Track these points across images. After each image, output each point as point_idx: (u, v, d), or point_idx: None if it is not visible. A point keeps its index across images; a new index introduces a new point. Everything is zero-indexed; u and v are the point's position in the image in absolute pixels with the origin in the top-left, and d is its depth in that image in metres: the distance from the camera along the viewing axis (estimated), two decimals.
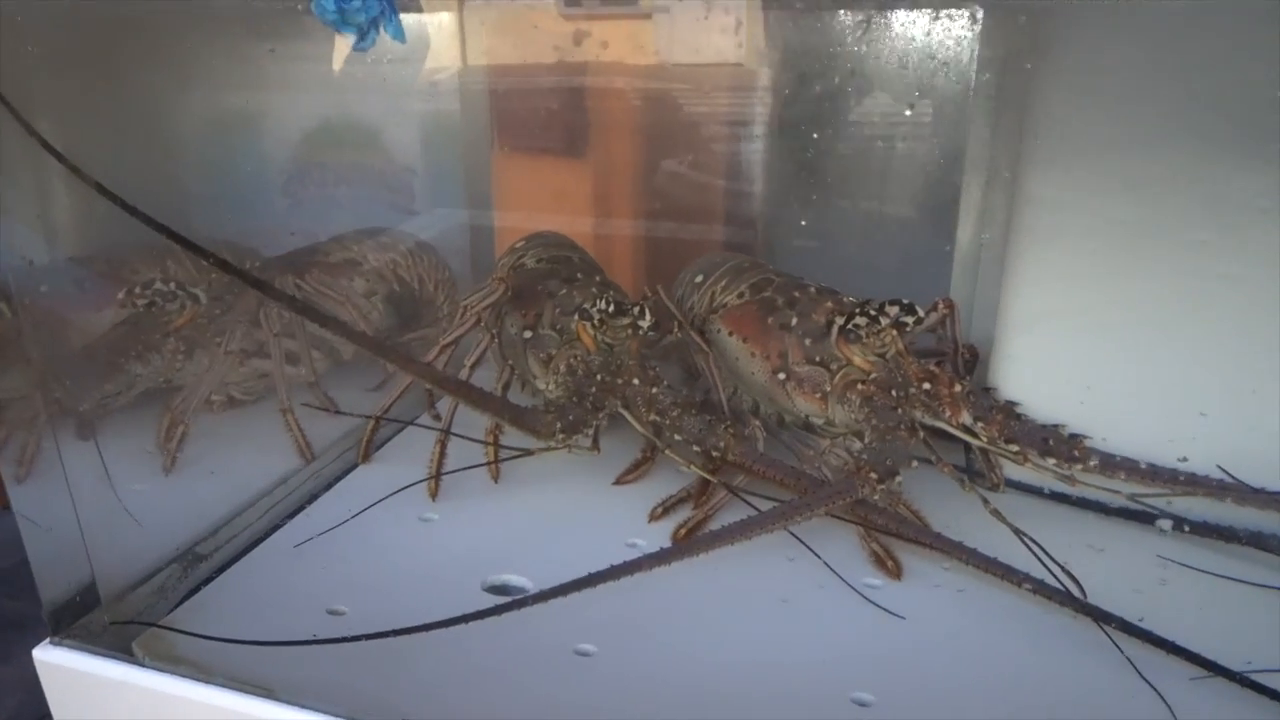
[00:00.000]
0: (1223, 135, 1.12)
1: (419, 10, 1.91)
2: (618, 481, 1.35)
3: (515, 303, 1.54)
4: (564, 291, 1.50)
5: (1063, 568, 1.05)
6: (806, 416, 1.40)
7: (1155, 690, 0.90)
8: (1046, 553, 1.05)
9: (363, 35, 0.81)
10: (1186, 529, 1.23)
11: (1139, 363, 1.25)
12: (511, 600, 0.93)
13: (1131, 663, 0.93)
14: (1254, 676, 0.91)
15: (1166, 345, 1.23)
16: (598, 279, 1.60)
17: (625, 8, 2.07)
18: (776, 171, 2.11)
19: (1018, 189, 1.32)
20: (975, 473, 1.39)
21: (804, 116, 2.02)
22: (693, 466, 1.26)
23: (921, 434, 1.25)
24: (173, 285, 1.45)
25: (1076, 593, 1.05)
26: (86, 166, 0.93)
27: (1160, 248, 1.19)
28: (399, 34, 0.84)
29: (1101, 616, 0.99)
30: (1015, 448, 1.26)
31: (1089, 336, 1.28)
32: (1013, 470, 1.35)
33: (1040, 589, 1.02)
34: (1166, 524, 1.25)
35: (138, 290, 1.44)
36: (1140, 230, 1.21)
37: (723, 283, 1.62)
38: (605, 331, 1.36)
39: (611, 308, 1.35)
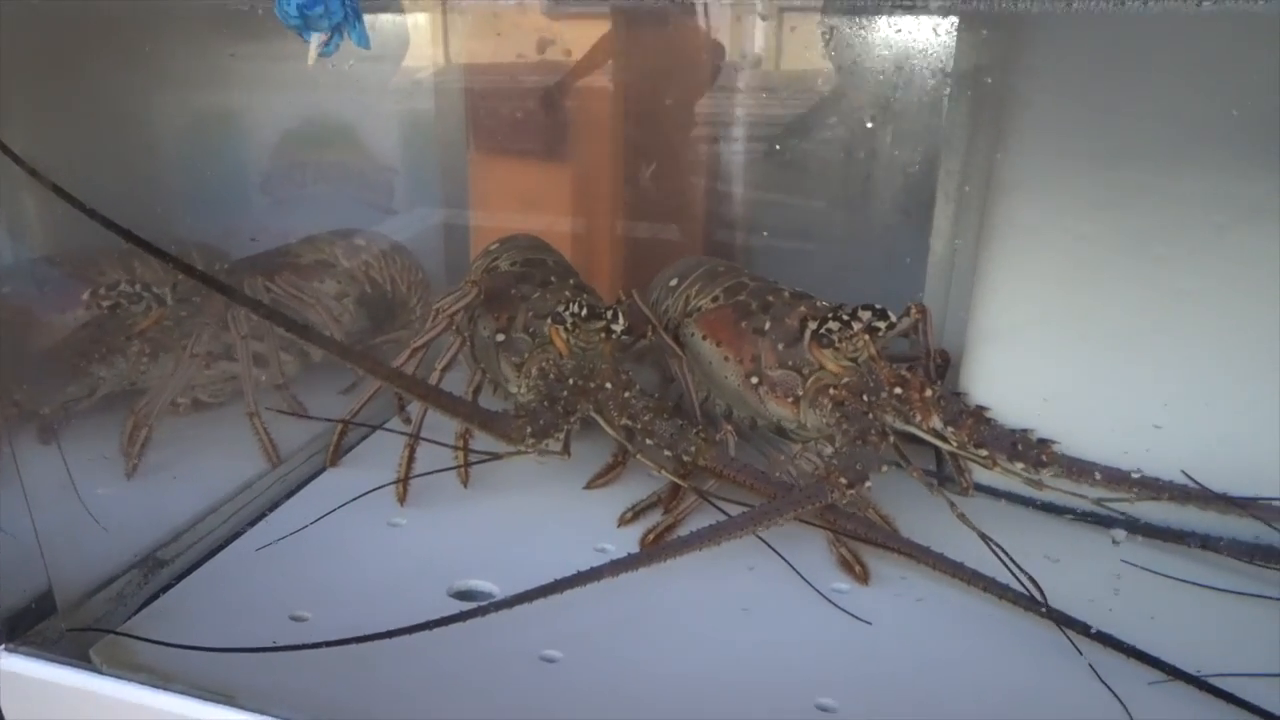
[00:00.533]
0: (1183, 153, 1.14)
1: (399, 10, 1.91)
2: (589, 486, 1.34)
3: (488, 306, 1.53)
4: (537, 295, 1.49)
5: (1024, 573, 1.05)
6: (779, 420, 1.40)
7: (1114, 694, 0.90)
8: (1010, 558, 1.05)
9: (326, 41, 0.80)
10: (1140, 538, 1.24)
11: (1098, 374, 1.26)
12: (476, 607, 0.92)
13: (1092, 667, 0.94)
14: (1210, 680, 0.91)
15: (1125, 358, 1.24)
16: (572, 282, 1.59)
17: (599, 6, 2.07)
18: (757, 174, 2.12)
19: (987, 202, 1.33)
20: (945, 477, 1.39)
21: (786, 119, 2.03)
22: (663, 471, 1.25)
23: (892, 438, 1.26)
24: (138, 287, 1.43)
25: (1039, 597, 1.05)
26: (53, 166, 0.91)
27: (1122, 263, 1.21)
28: (363, 40, 0.83)
29: (1063, 620, 1.00)
30: (984, 452, 1.26)
31: (1053, 346, 1.29)
32: (982, 474, 1.36)
33: (1004, 594, 1.03)
34: (1120, 534, 1.27)
35: (102, 292, 1.41)
36: (1103, 245, 1.22)
37: (697, 286, 1.61)
38: (578, 335, 1.35)
39: (584, 311, 1.35)
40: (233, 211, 1.81)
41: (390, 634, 0.89)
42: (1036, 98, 1.24)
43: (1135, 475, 1.19)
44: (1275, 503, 1.13)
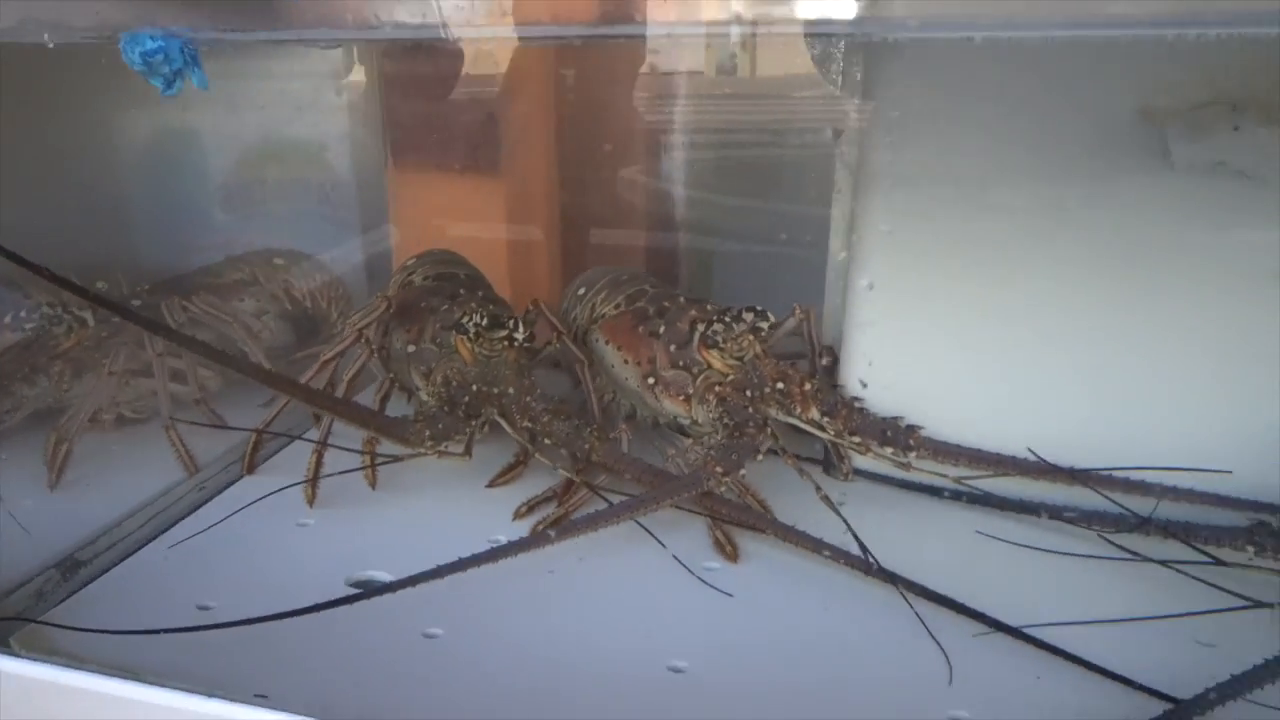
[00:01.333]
0: (1009, 169, 1.28)
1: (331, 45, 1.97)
2: (491, 484, 1.42)
3: (400, 319, 1.61)
4: (445, 308, 1.58)
5: (859, 541, 1.15)
6: (675, 417, 1.50)
7: (936, 642, 1.01)
8: (852, 529, 1.16)
9: (169, 84, 0.88)
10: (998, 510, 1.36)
11: (952, 362, 1.38)
12: (362, 591, 1.01)
13: (921, 620, 1.04)
14: (1032, 631, 1.02)
15: (974, 348, 1.36)
16: (480, 294, 1.68)
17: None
18: (691, 181, 2.20)
19: (853, 211, 1.44)
20: (829, 463, 1.50)
21: (715, 128, 2.13)
22: (559, 467, 1.34)
23: (769, 429, 1.36)
24: (59, 309, 1.49)
25: (872, 560, 1.15)
26: None
27: (968, 265, 1.33)
28: (203, 83, 0.91)
29: (899, 581, 1.11)
30: (858, 439, 1.37)
31: (913, 336, 1.41)
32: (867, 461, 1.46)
33: (845, 558, 1.14)
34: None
35: (24, 314, 1.48)
36: (947, 246, 1.34)
37: (602, 295, 1.71)
38: (481, 344, 1.44)
39: (485, 322, 1.44)
40: (158, 232, 1.87)
41: (279, 616, 0.97)
42: (888, 117, 1.35)
43: (991, 454, 1.32)
44: (1107, 473, 1.25)
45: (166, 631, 1.00)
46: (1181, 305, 1.25)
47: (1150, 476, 1.23)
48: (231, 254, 1.82)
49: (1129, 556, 1.19)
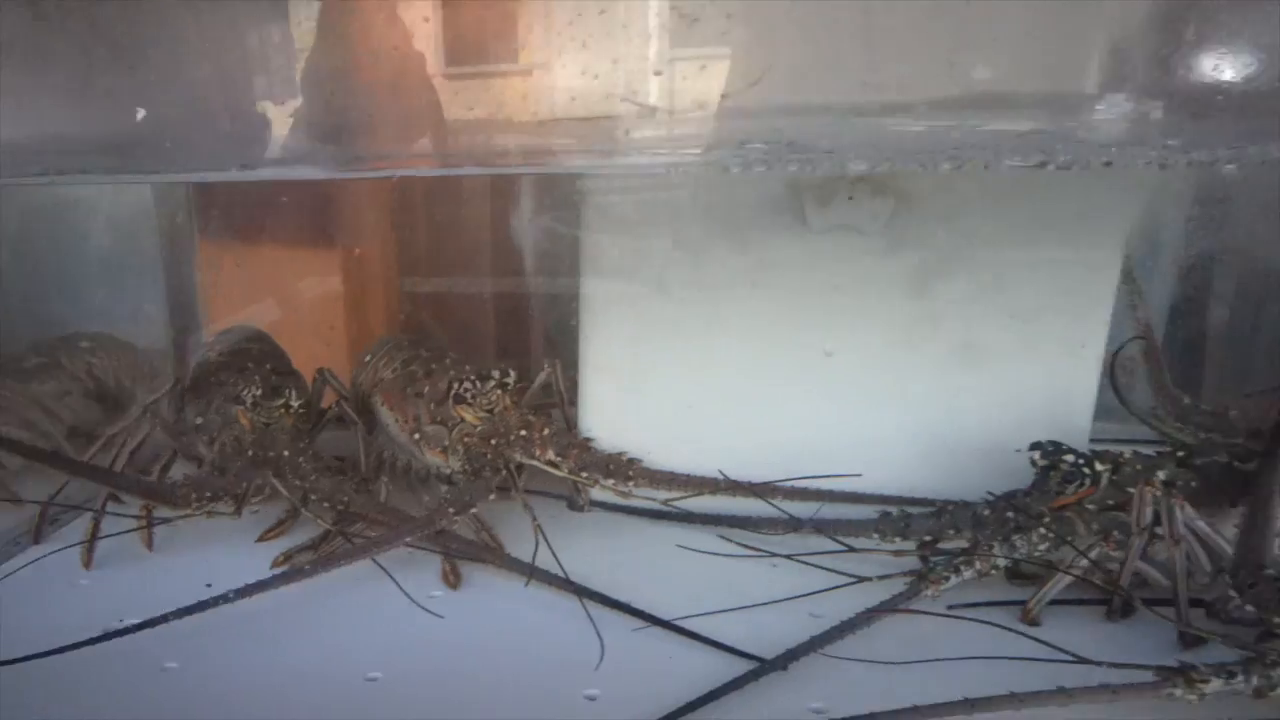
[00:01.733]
0: (698, 245, 1.57)
1: None
2: (261, 539, 1.60)
3: (192, 394, 1.79)
4: (232, 381, 1.76)
5: (557, 558, 1.38)
6: (439, 468, 1.71)
7: (600, 639, 1.24)
8: (553, 550, 1.39)
9: None
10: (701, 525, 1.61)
11: (664, 406, 1.64)
12: (104, 634, 1.19)
13: (592, 621, 1.27)
14: (684, 623, 1.27)
15: (678, 387, 1.63)
16: (268, 366, 1.87)
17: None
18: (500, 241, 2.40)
19: (581, 292, 1.69)
20: (569, 498, 1.73)
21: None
22: (318, 518, 1.53)
23: (508, 471, 1.58)
24: None
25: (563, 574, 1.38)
26: None
27: (667, 326, 1.61)
28: None
29: (584, 592, 1.34)
30: (586, 474, 1.61)
31: (631, 389, 1.66)
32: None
33: (551, 579, 1.37)
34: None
35: None
36: (651, 315, 1.62)
37: (384, 360, 1.92)
38: (259, 413, 1.63)
39: (261, 392, 1.63)
40: None
41: (27, 658, 1.15)
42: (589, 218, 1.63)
43: (695, 478, 1.57)
44: (775, 484, 1.52)
45: None
46: (823, 340, 1.54)
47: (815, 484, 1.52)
48: (39, 339, 1.96)
49: (770, 554, 1.46)
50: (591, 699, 1.14)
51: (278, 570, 1.42)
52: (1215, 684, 0.99)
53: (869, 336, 1.54)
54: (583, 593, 1.34)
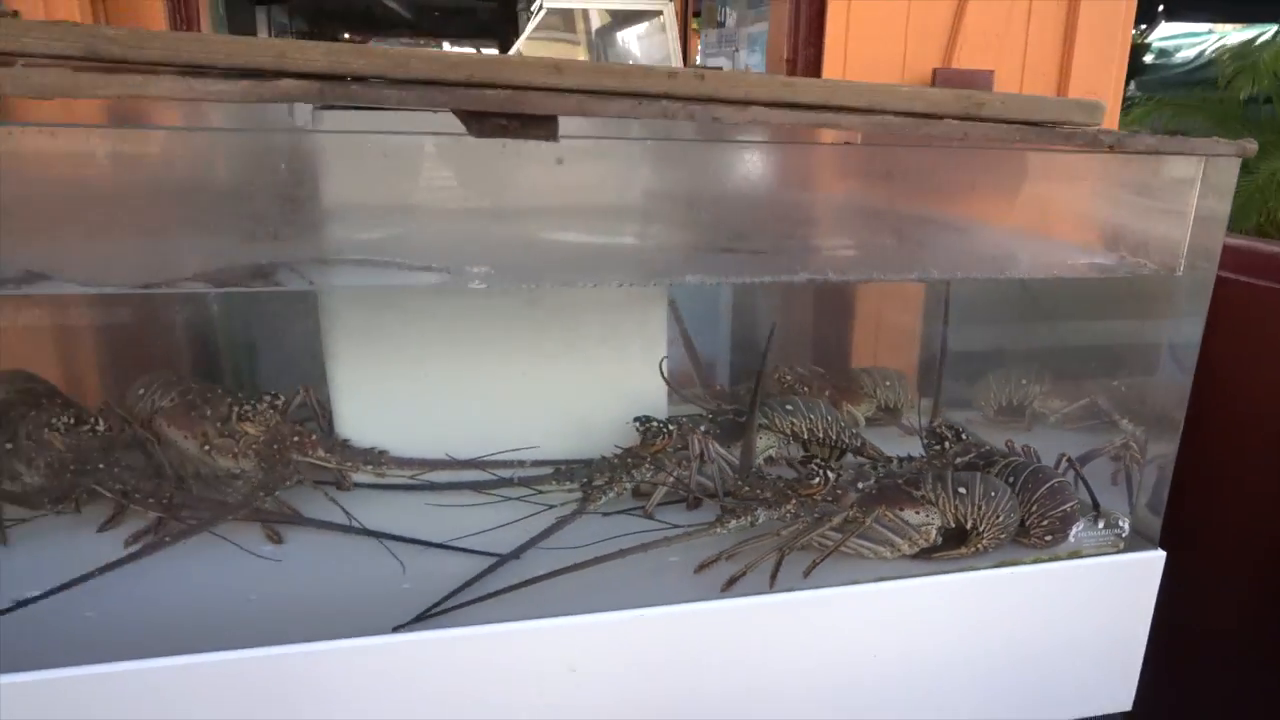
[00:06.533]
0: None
1: None
2: (101, 530, 2.04)
3: None
4: (34, 414, 2.15)
5: (347, 513, 2.06)
6: (230, 470, 2.25)
7: (399, 559, 1.95)
8: (346, 510, 2.06)
9: None
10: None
11: (403, 411, 2.35)
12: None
13: (401, 562, 1.96)
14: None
15: (414, 401, 2.35)
16: (59, 400, 2.26)
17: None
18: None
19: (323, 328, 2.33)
20: (334, 482, 2.37)
21: None
22: (149, 510, 2.03)
23: (293, 466, 2.19)
24: None
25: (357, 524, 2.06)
26: None
27: (406, 343, 2.31)
28: None
29: (375, 533, 2.03)
30: (349, 463, 2.27)
31: (376, 399, 2.35)
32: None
33: (348, 529, 2.03)
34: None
35: None
36: (390, 337, 2.31)
37: (158, 393, 2.39)
38: (71, 435, 2.07)
39: (70, 419, 2.08)
40: None
41: None
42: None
43: (431, 460, 2.30)
44: (491, 457, 2.30)
45: None
46: (511, 361, 2.36)
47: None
48: None
49: (492, 502, 2.25)
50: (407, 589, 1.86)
51: (133, 548, 1.91)
52: (733, 524, 1.99)
53: (533, 357, 2.37)
54: (379, 535, 2.02)
